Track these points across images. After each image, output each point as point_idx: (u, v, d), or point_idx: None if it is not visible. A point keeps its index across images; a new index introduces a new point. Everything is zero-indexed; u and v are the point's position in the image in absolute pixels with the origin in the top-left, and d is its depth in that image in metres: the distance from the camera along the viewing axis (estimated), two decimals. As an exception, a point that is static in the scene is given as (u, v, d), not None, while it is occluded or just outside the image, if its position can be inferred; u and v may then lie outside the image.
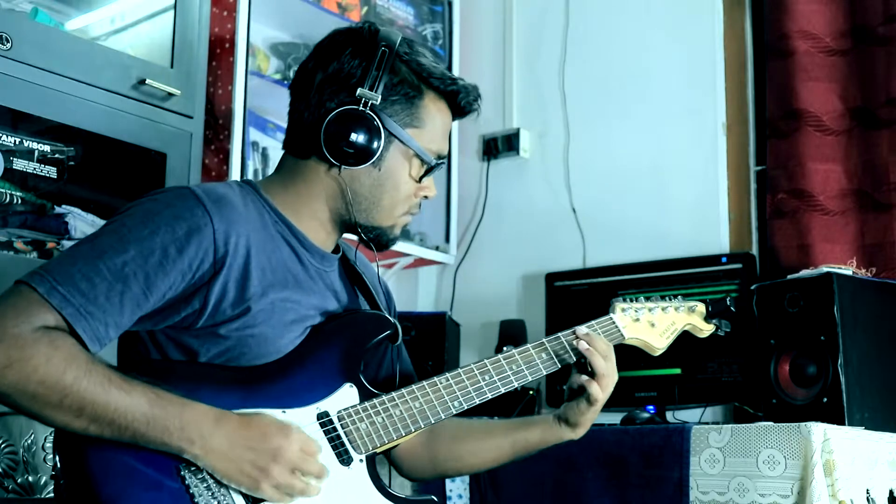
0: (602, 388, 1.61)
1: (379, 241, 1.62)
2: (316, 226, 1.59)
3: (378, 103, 1.53)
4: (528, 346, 1.64)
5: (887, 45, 2.63)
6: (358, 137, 1.52)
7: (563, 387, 1.71)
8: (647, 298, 1.76)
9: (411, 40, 1.61)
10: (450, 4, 3.44)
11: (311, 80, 1.57)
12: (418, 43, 1.63)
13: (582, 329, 1.64)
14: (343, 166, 1.54)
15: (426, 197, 1.63)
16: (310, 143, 1.56)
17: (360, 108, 1.52)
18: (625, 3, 3.18)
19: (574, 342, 1.63)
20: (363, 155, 1.53)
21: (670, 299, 1.77)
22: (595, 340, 1.62)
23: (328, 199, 1.58)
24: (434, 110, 1.59)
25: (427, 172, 1.60)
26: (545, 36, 3.33)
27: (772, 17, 2.79)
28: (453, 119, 1.65)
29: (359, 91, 1.52)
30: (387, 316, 1.60)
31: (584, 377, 1.62)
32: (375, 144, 1.53)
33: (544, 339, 1.65)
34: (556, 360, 1.64)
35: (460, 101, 1.62)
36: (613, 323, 1.71)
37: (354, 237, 1.64)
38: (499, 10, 3.45)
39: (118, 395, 1.32)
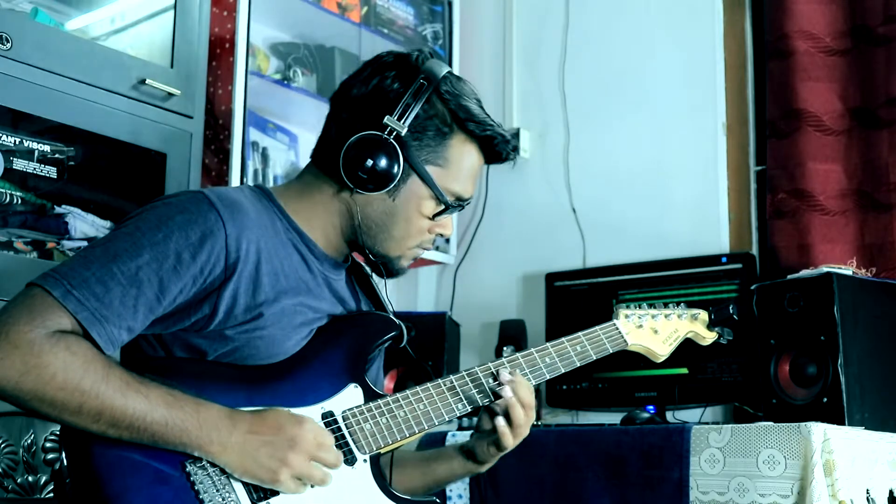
0: (515, 437, 1.58)
1: (385, 268, 1.61)
2: (326, 237, 1.59)
3: (404, 134, 1.52)
4: (532, 350, 1.64)
5: (887, 45, 2.63)
6: (375, 164, 1.50)
7: (479, 419, 1.65)
8: (651, 305, 1.77)
9: (459, 78, 1.58)
10: (450, 4, 3.44)
11: (348, 95, 1.57)
12: (464, 81, 1.60)
13: (505, 376, 1.57)
14: (357, 190, 1.54)
15: (441, 235, 1.62)
16: (332, 160, 1.55)
17: (384, 135, 1.51)
18: (625, 3, 3.18)
19: (497, 388, 1.57)
20: (377, 182, 1.52)
21: (674, 307, 1.78)
22: (520, 389, 1.56)
23: (339, 218, 1.58)
24: (463, 152, 1.57)
25: (442, 213, 1.58)
26: (545, 36, 3.33)
27: (772, 17, 2.79)
28: (487, 163, 1.62)
29: (386, 118, 1.51)
30: (392, 318, 1.60)
31: (502, 422, 1.55)
32: (392, 174, 1.51)
33: (548, 344, 1.65)
34: (560, 365, 1.64)
35: (496, 146, 1.59)
36: (617, 329, 1.71)
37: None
38: (499, 10, 3.45)
39: (136, 399, 1.32)
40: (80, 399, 1.30)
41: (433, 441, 2.32)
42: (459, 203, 1.60)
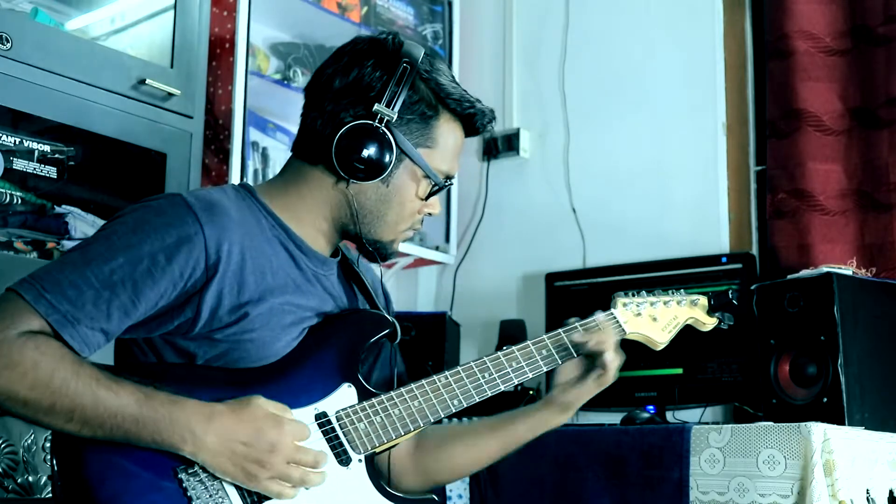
0: (612, 369, 1.64)
1: (378, 252, 1.61)
2: (316, 231, 1.59)
3: (394, 120, 1.52)
4: (529, 342, 1.64)
5: (887, 45, 2.63)
6: (369, 153, 1.51)
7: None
8: (650, 292, 1.75)
9: (433, 56, 1.60)
10: (450, 4, 3.44)
11: (329, 86, 1.56)
12: (439, 59, 1.62)
13: (592, 322, 1.65)
14: (351, 180, 1.54)
15: (430, 214, 1.63)
16: (320, 152, 1.55)
17: (375, 123, 1.52)
18: (625, 3, 3.18)
19: (577, 338, 1.63)
20: (373, 171, 1.52)
21: (672, 293, 1.76)
22: (603, 335, 1.63)
23: (332, 209, 1.58)
24: (447, 131, 1.59)
25: (434, 192, 1.60)
26: (545, 36, 3.33)
27: (772, 17, 2.79)
28: (467, 136, 1.64)
29: (375, 107, 1.51)
30: (385, 315, 1.60)
31: (609, 356, 1.62)
32: (386, 161, 1.52)
33: (544, 336, 1.64)
34: (556, 356, 1.64)
35: (475, 123, 1.62)
36: (615, 318, 1.70)
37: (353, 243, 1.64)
38: (499, 10, 3.45)
39: (106, 397, 1.32)
40: (51, 398, 1.30)
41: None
42: (448, 181, 1.62)
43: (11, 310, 1.33)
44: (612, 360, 1.63)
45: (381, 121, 1.51)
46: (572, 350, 1.64)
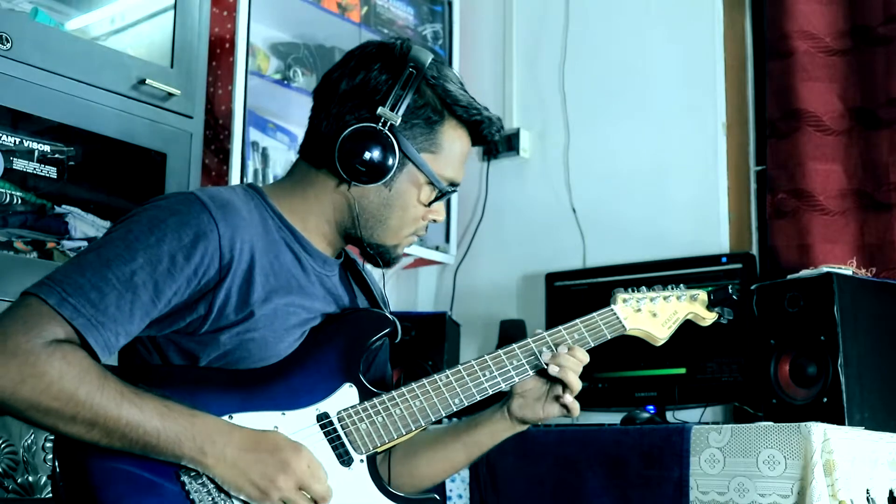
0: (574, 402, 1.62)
1: (381, 257, 1.61)
2: (320, 233, 1.59)
3: (398, 124, 1.52)
4: (528, 339, 1.64)
5: (887, 45, 2.63)
6: (371, 156, 1.50)
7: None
8: (649, 288, 1.74)
9: (441, 63, 1.60)
10: (450, 4, 3.44)
11: (336, 89, 1.56)
12: (447, 66, 1.61)
13: (563, 349, 1.61)
14: (353, 183, 1.54)
15: (434, 220, 1.63)
16: (324, 155, 1.55)
17: (378, 126, 1.51)
18: (625, 3, 3.18)
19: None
20: (375, 174, 1.52)
21: (672, 288, 1.76)
22: (568, 363, 1.60)
23: (335, 212, 1.58)
24: (454, 137, 1.58)
25: (438, 198, 1.59)
26: (545, 36, 3.33)
27: (772, 17, 2.79)
28: (474, 145, 1.64)
29: (379, 110, 1.51)
30: (386, 314, 1.60)
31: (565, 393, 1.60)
32: (388, 165, 1.51)
33: (545, 333, 1.64)
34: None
35: (482, 131, 1.61)
36: (615, 314, 1.70)
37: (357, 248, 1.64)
38: (499, 10, 3.45)
39: (130, 409, 1.32)
40: (75, 409, 1.30)
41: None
42: (452, 188, 1.61)
43: (36, 316, 1.31)
44: (577, 384, 1.60)
45: (384, 124, 1.51)
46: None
